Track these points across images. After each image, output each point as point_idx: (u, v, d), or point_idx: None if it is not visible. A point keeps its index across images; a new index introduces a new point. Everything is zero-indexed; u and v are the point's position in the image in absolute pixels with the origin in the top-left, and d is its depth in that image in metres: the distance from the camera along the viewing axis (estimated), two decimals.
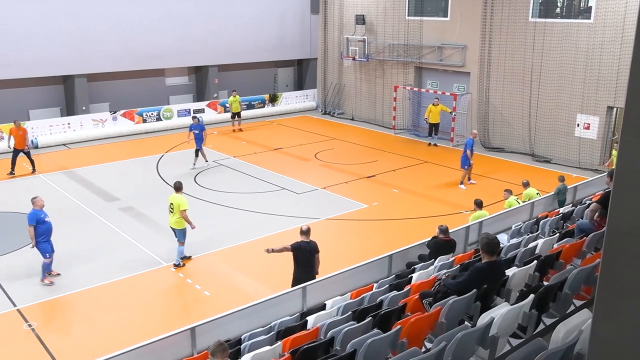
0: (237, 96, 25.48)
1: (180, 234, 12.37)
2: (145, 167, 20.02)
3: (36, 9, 22.44)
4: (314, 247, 9.86)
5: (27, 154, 19.27)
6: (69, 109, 24.67)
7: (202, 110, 27.07)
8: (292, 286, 9.42)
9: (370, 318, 6.70)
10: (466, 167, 17.71)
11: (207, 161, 20.22)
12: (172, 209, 12.29)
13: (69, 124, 23.70)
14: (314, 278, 9.51)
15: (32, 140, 22.26)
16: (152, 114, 25.71)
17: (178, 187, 12.50)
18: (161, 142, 23.34)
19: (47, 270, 11.75)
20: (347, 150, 22.61)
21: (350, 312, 7.29)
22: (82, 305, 11.10)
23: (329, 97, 29.78)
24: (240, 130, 25.71)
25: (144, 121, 25.47)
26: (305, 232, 9.89)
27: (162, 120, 25.89)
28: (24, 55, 22.38)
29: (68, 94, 24.61)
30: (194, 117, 21.29)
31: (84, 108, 24.35)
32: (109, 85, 25.48)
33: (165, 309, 11.01)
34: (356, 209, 16.12)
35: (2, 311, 10.72)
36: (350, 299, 8.38)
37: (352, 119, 28.36)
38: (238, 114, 25.65)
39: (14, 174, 18.83)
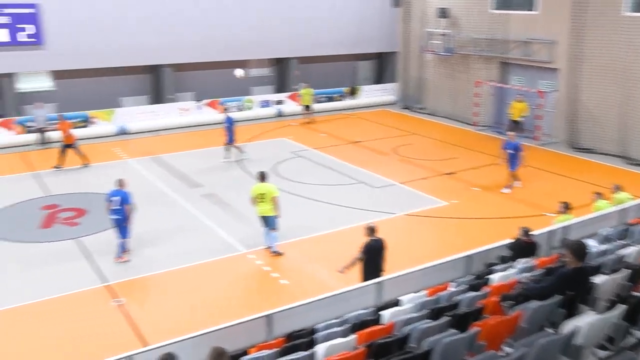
0: (309, 89, 25.55)
1: (273, 221, 12.63)
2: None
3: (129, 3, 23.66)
4: (382, 245, 9.81)
5: (66, 148, 18.94)
6: (157, 97, 25.74)
7: (281, 102, 27.47)
8: None
9: (446, 317, 6.58)
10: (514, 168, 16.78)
11: (233, 156, 19.65)
12: (264, 197, 12.49)
13: (156, 111, 24.74)
14: (380, 276, 9.44)
15: (121, 127, 23.46)
16: (233, 104, 26.32)
17: (264, 176, 12.75)
18: (241, 132, 23.78)
19: (124, 249, 12.40)
20: (426, 146, 22.27)
21: (426, 310, 7.19)
22: (163, 285, 11.57)
23: (409, 91, 29.40)
24: (312, 122, 25.63)
25: (226, 111, 26.11)
26: (373, 230, 9.81)
27: (242, 110, 26.40)
28: (117, 46, 23.63)
29: (156, 83, 25.67)
30: (225, 110, 21.14)
31: (170, 97, 25.32)
32: (193, 75, 26.34)
33: (243, 294, 11.29)
34: (435, 206, 15.86)
35: (90, 287, 11.38)
36: (427, 297, 8.26)
37: (432, 114, 27.88)
38: (308, 107, 25.67)
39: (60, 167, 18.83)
